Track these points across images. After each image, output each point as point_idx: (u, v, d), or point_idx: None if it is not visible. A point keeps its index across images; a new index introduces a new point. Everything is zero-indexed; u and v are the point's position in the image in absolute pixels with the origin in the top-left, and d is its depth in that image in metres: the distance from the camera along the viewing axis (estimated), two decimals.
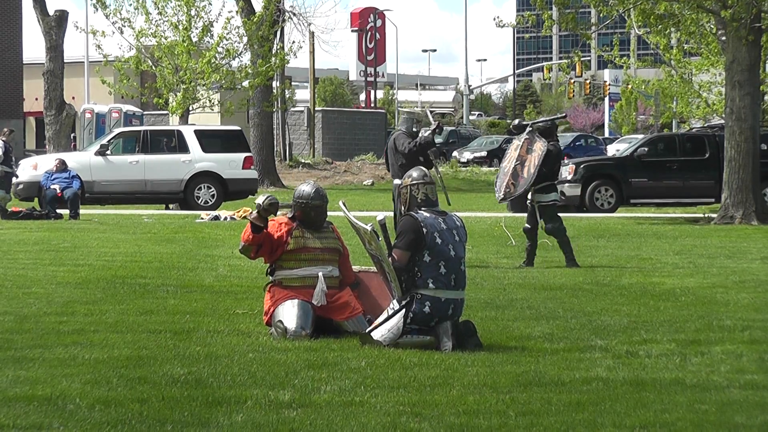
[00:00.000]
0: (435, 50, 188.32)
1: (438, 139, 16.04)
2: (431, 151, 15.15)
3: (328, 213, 10.09)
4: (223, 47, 39.26)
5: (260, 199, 9.68)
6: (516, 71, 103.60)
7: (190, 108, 39.41)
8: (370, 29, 78.24)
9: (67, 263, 15.05)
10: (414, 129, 15.23)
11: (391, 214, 14.63)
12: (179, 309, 10.90)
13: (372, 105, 74.53)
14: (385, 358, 8.43)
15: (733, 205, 25.01)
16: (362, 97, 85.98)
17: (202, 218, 25.13)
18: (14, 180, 29.14)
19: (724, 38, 25.15)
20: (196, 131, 30.58)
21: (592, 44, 41.40)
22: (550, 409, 6.92)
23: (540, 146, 15.46)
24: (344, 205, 9.60)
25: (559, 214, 16.15)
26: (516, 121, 16.59)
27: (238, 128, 32.01)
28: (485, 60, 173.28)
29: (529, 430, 6.48)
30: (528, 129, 15.79)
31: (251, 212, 9.96)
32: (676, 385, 7.62)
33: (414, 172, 9.35)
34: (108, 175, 29.31)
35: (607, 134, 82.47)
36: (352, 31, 77.36)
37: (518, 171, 15.55)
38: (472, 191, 42.08)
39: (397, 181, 14.77)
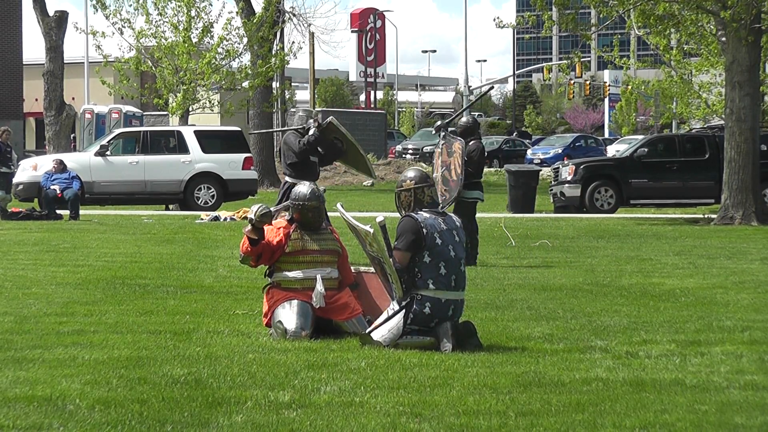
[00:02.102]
0: (435, 51, 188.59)
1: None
2: (329, 145, 14.97)
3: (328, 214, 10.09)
4: (223, 48, 39.29)
5: (252, 212, 9.65)
6: (516, 72, 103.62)
7: (190, 109, 39.44)
8: (370, 30, 78.29)
9: (66, 264, 15.05)
10: (307, 126, 15.02)
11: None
12: (179, 310, 10.91)
13: (372, 106, 74.55)
14: (385, 359, 8.43)
15: (733, 205, 25.02)
16: (362, 97, 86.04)
17: (202, 219, 25.14)
18: (14, 180, 29.20)
19: (723, 39, 25.16)
20: (195, 132, 30.58)
21: (592, 45, 41.44)
22: (549, 409, 6.93)
23: (458, 146, 15.59)
24: (342, 207, 9.59)
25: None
26: (437, 123, 16.52)
27: (238, 129, 32.02)
28: (485, 61, 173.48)
29: (529, 430, 6.48)
30: (442, 134, 15.87)
31: (246, 219, 9.92)
32: (675, 386, 7.62)
33: (415, 174, 9.29)
34: (108, 175, 29.32)
35: (606, 135, 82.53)
36: (352, 31, 77.40)
37: (447, 176, 15.68)
38: None
39: (288, 179, 14.78)
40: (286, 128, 15.21)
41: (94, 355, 8.42)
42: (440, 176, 15.72)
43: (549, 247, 18.93)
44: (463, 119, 16.38)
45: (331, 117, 14.94)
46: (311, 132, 14.58)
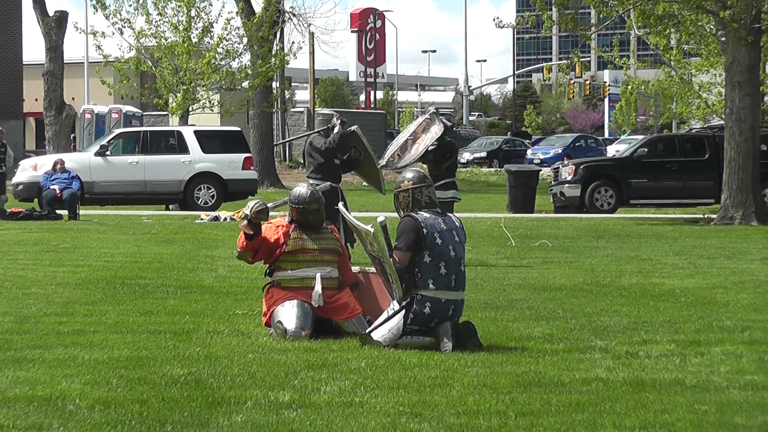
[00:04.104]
0: (435, 51, 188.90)
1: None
2: (348, 153, 15.04)
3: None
4: (222, 48, 39.30)
5: (248, 208, 9.65)
6: (516, 72, 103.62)
7: (190, 109, 39.43)
8: (369, 30, 78.27)
9: (66, 264, 15.05)
10: (331, 125, 15.13)
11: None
12: (179, 310, 10.91)
13: (372, 106, 74.54)
14: (385, 359, 8.43)
15: (733, 205, 25.01)
16: (362, 97, 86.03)
17: (202, 219, 25.13)
18: (13, 180, 29.25)
19: (723, 39, 25.15)
20: (195, 132, 30.58)
21: (591, 45, 41.42)
22: (549, 409, 6.93)
23: (436, 129, 15.32)
24: (343, 207, 9.59)
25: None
26: (432, 109, 16.42)
27: (238, 129, 32.02)
28: (485, 61, 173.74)
29: (529, 430, 6.48)
30: (431, 111, 15.71)
31: (242, 215, 9.90)
32: (675, 386, 7.62)
33: (413, 175, 9.29)
34: (108, 175, 29.31)
35: (606, 135, 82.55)
36: (352, 31, 77.38)
37: (408, 145, 15.30)
38: (472, 192, 42.10)
39: (311, 181, 14.86)
40: (309, 132, 15.26)
41: (94, 355, 8.42)
42: (402, 140, 15.47)
43: (549, 247, 18.92)
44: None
45: (355, 126, 15.02)
46: (336, 130, 14.66)
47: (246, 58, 40.67)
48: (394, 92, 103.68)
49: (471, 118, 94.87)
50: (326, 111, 15.60)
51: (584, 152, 57.44)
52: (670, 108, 43.42)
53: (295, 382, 7.59)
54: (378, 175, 15.28)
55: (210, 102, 39.99)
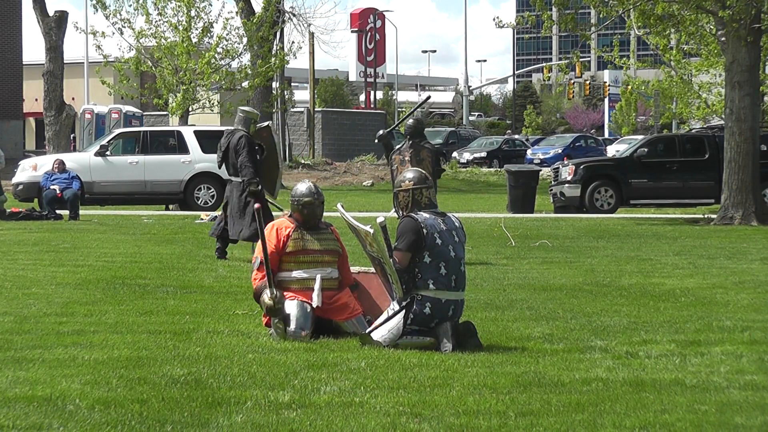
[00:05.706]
0: (435, 51, 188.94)
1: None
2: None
3: (326, 214, 10.09)
4: (222, 48, 39.32)
5: (268, 298, 9.39)
6: (516, 72, 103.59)
7: (190, 109, 39.45)
8: (369, 30, 78.26)
9: (66, 264, 15.05)
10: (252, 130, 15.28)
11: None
12: (179, 310, 10.91)
13: (372, 106, 74.54)
14: (385, 359, 8.43)
15: (733, 205, 25.01)
16: (362, 97, 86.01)
17: (202, 219, 25.13)
18: (13, 180, 29.30)
19: (723, 39, 25.15)
20: (195, 132, 30.59)
21: (591, 45, 41.44)
22: (549, 409, 6.93)
23: (426, 153, 15.48)
24: (342, 208, 9.59)
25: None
26: (380, 132, 16.54)
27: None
28: (485, 61, 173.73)
29: (529, 430, 6.48)
30: (407, 140, 15.76)
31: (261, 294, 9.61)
32: (675, 386, 7.62)
33: (413, 175, 9.30)
34: (108, 175, 29.32)
35: (606, 135, 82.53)
36: (352, 31, 77.38)
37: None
38: (472, 192, 42.13)
39: (235, 179, 15.33)
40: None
41: (94, 355, 8.42)
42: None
43: (549, 247, 18.93)
44: (410, 121, 16.27)
45: (268, 122, 15.20)
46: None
47: (246, 58, 40.73)
48: (394, 92, 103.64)
49: (471, 118, 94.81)
50: (248, 109, 15.64)
51: (584, 152, 57.45)
52: (670, 108, 43.39)
53: (295, 382, 7.59)
54: (276, 179, 15.40)
55: (210, 102, 40.00)
